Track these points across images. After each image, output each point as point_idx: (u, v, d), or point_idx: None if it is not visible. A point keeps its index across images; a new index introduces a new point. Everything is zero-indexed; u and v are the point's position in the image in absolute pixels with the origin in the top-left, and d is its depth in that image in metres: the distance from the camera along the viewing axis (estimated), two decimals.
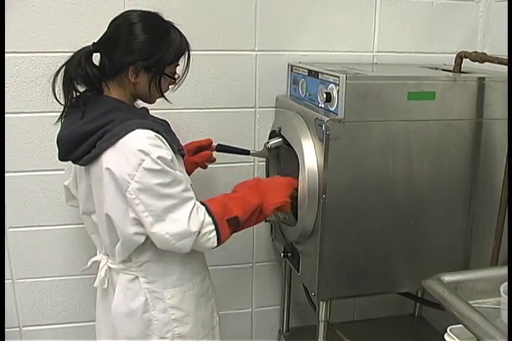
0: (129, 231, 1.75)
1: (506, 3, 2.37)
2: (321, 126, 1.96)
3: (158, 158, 1.66)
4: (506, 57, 2.06)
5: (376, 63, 2.63)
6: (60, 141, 1.79)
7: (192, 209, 1.73)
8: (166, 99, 1.90)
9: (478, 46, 2.68)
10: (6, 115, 2.32)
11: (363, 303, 3.04)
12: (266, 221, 2.64)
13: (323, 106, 2.10)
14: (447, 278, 1.61)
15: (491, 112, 2.11)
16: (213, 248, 1.83)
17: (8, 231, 2.46)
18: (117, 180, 1.68)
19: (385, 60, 2.63)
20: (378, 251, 2.15)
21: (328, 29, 2.55)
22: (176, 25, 1.83)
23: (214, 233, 1.77)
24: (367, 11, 2.57)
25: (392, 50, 2.63)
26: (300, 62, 2.44)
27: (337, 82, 1.98)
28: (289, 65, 2.48)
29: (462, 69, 2.27)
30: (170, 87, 1.91)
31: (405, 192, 2.12)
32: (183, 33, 1.84)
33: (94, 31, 2.10)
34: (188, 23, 2.34)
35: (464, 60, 2.26)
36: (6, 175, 2.39)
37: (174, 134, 1.91)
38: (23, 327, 2.63)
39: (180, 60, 1.85)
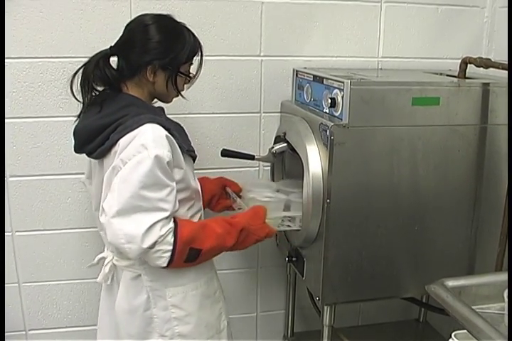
0: None
1: None
2: (326, 131, 1.96)
3: (155, 156, 1.67)
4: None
5: (381, 68, 2.63)
6: (76, 133, 1.85)
7: (159, 221, 1.69)
8: (182, 96, 1.94)
9: (483, 52, 2.69)
10: (13, 120, 2.34)
11: (367, 308, 3.03)
12: None
13: (327, 111, 2.11)
14: (451, 283, 1.61)
15: (495, 118, 2.11)
16: (162, 267, 1.78)
17: (15, 235, 2.47)
18: (115, 167, 1.71)
19: (390, 66, 2.64)
20: (383, 255, 2.15)
21: (333, 34, 2.56)
22: (188, 26, 1.88)
23: (168, 254, 1.72)
24: (372, 17, 2.58)
25: (396, 56, 2.64)
26: (305, 68, 2.45)
27: (342, 88, 1.98)
28: (294, 70, 2.49)
29: (467, 75, 2.27)
30: (185, 86, 1.94)
31: (410, 197, 2.12)
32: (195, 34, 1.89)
33: (100, 36, 2.14)
34: (194, 28, 2.34)
35: (468, 65, 2.27)
36: (13, 179, 2.40)
37: (186, 135, 1.94)
38: (29, 330, 2.64)
39: (194, 59, 1.89)
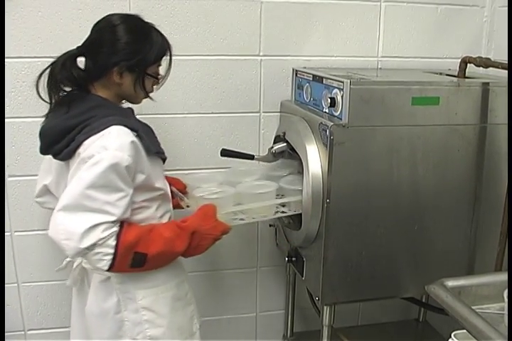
0: None
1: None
2: (326, 131, 1.96)
3: (113, 159, 1.65)
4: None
5: (380, 68, 2.63)
6: (42, 134, 1.82)
7: (102, 223, 1.66)
8: (151, 98, 1.93)
9: (483, 51, 2.69)
10: (12, 120, 2.33)
11: (367, 308, 3.03)
12: (270, 225, 2.65)
13: (327, 111, 2.10)
14: (451, 283, 1.60)
15: (494, 117, 2.11)
16: (105, 270, 1.74)
17: (14, 235, 2.47)
18: (77, 166, 1.70)
19: (390, 65, 2.64)
20: (382, 255, 2.15)
21: (332, 34, 2.56)
22: (156, 27, 1.86)
23: (109, 257, 1.68)
24: (371, 16, 2.58)
25: (396, 55, 2.64)
26: (304, 67, 2.45)
27: (341, 87, 1.98)
28: (293, 69, 2.49)
29: (466, 75, 2.27)
30: (154, 87, 1.92)
31: (409, 197, 2.12)
32: (164, 34, 1.87)
33: None
34: (192, 28, 2.37)
35: (468, 65, 2.27)
36: (12, 179, 2.40)
37: (155, 136, 1.92)
38: (28, 330, 2.64)
39: (163, 60, 1.87)
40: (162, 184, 1.90)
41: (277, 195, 2.17)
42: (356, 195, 2.05)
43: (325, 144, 1.98)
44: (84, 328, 1.98)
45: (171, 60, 1.89)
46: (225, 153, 2.31)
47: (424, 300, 2.78)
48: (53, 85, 1.79)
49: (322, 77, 2.17)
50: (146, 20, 1.86)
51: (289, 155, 2.28)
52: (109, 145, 1.66)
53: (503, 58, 2.27)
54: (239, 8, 2.43)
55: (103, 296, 1.89)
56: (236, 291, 2.85)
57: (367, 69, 2.53)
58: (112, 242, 1.67)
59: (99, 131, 1.69)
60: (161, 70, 1.91)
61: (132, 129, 1.74)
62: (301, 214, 2.13)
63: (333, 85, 2.05)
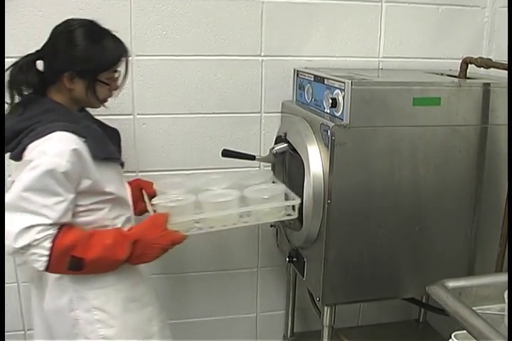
0: None
1: None
2: (327, 132, 1.96)
3: (50, 165, 1.67)
4: None
5: (382, 68, 2.63)
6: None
7: (38, 225, 1.68)
8: (104, 105, 1.94)
9: (484, 52, 2.69)
10: None
11: (367, 308, 3.03)
12: (271, 226, 2.66)
13: (328, 111, 2.10)
14: (451, 283, 1.60)
15: (495, 118, 2.11)
16: (43, 271, 1.75)
17: None
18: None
19: (391, 66, 2.64)
20: (383, 256, 2.15)
21: (333, 34, 2.56)
22: (113, 33, 1.86)
23: (44, 259, 1.69)
24: (372, 17, 2.58)
25: (397, 56, 2.64)
26: (306, 68, 2.45)
27: (343, 88, 1.98)
28: (294, 70, 2.49)
29: (468, 75, 2.27)
30: (113, 92, 1.93)
31: (410, 198, 2.12)
32: (122, 39, 1.88)
33: None
34: (194, 28, 2.37)
35: (469, 65, 2.27)
36: (10, 179, 2.39)
37: (107, 142, 1.90)
38: (28, 330, 2.63)
39: (120, 66, 1.87)
40: (114, 188, 1.89)
41: (242, 205, 2.12)
42: (357, 195, 2.05)
43: (326, 145, 1.98)
44: (46, 325, 1.98)
45: (127, 66, 1.89)
46: (226, 153, 2.31)
47: (424, 301, 2.78)
48: (12, 87, 1.81)
49: (323, 78, 2.17)
50: (103, 26, 1.85)
51: (290, 155, 2.28)
52: (48, 151, 1.68)
53: (504, 59, 2.27)
54: (240, 9, 2.43)
55: (58, 294, 1.89)
56: (237, 291, 2.85)
57: (368, 70, 2.52)
58: (48, 244, 1.69)
59: (43, 136, 1.71)
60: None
61: (80, 135, 1.75)
62: (302, 215, 2.12)
63: (335, 86, 2.05)
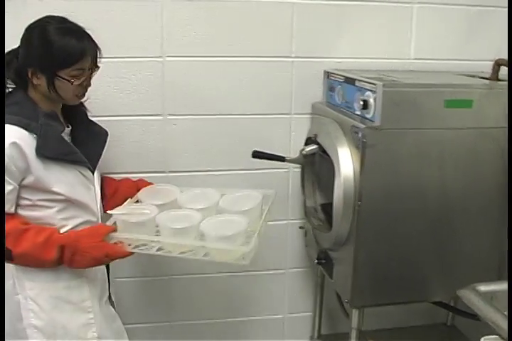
0: None
1: None
2: (358, 134, 1.96)
3: None
4: None
5: (412, 70, 2.62)
6: None
7: None
8: (66, 102, 1.93)
9: None
10: None
11: (394, 311, 3.01)
12: (300, 227, 2.66)
13: (359, 113, 2.10)
14: (483, 287, 1.59)
15: None
16: None
17: None
18: None
19: (421, 67, 2.62)
20: (411, 258, 2.14)
21: (364, 36, 2.55)
22: (86, 31, 1.86)
23: None
24: (403, 18, 2.56)
25: (428, 57, 2.62)
26: (336, 69, 2.45)
27: (374, 90, 1.98)
28: (325, 71, 2.49)
29: (499, 77, 2.25)
30: (81, 90, 1.90)
31: (439, 200, 2.11)
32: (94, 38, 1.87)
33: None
34: (224, 30, 2.37)
35: (501, 67, 2.25)
36: None
37: (62, 142, 1.88)
38: None
39: (84, 64, 1.84)
40: (66, 190, 1.88)
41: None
42: (386, 197, 2.04)
43: (357, 146, 1.98)
44: None
45: (93, 65, 1.88)
46: (257, 154, 2.31)
47: (452, 304, 2.76)
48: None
49: (354, 79, 2.17)
50: (77, 24, 1.85)
51: (320, 157, 2.28)
52: None
53: None
54: (271, 10, 2.43)
55: (6, 276, 1.90)
56: (264, 292, 2.86)
57: (398, 71, 2.51)
58: None
59: None
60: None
61: (32, 131, 1.78)
62: (331, 217, 2.12)
63: (366, 87, 2.05)
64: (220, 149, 2.55)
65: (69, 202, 1.91)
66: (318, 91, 2.54)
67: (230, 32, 2.41)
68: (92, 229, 1.89)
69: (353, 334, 2.26)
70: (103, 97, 2.38)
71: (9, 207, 1.80)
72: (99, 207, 2.07)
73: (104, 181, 2.19)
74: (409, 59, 2.62)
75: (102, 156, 2.08)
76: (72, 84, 1.84)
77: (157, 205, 2.06)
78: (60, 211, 1.90)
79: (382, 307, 2.92)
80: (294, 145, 2.58)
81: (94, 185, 2.02)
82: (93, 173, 2.02)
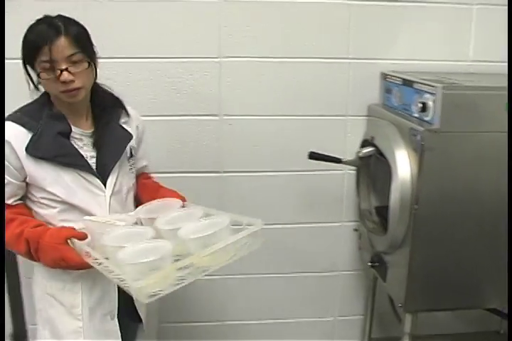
0: None
1: None
2: (416, 136, 1.94)
3: None
4: None
5: (471, 72, 2.58)
6: None
7: None
8: (49, 95, 1.89)
9: None
10: None
11: (446, 317, 2.98)
12: (355, 230, 2.65)
13: (417, 115, 2.08)
14: None
15: None
16: None
17: None
18: None
19: (481, 70, 2.58)
20: (466, 264, 2.12)
21: (421, 37, 2.52)
22: (67, 24, 1.77)
23: None
24: (463, 19, 2.53)
25: (488, 59, 2.58)
26: (393, 71, 2.43)
27: (433, 92, 1.95)
28: (382, 73, 2.47)
29: None
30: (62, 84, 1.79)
31: (496, 205, 2.07)
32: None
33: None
34: (281, 30, 2.38)
35: None
36: None
37: (59, 143, 1.84)
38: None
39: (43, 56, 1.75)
40: (62, 192, 1.85)
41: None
42: (443, 201, 2.02)
43: (415, 149, 1.96)
44: None
45: (50, 55, 1.73)
46: (313, 156, 2.31)
47: (506, 312, 2.71)
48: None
49: (412, 81, 2.15)
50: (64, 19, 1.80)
51: (376, 159, 2.26)
52: None
53: None
54: (328, 11, 2.43)
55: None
56: (316, 294, 2.86)
57: (457, 74, 2.48)
58: None
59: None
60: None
61: (29, 130, 1.79)
62: (386, 220, 2.10)
63: (424, 90, 2.03)
64: (275, 150, 2.56)
65: (68, 205, 1.87)
66: (375, 93, 2.52)
67: (287, 33, 2.41)
68: (57, 230, 1.79)
69: (406, 339, 2.23)
70: (160, 97, 2.41)
71: (11, 200, 1.85)
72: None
73: (144, 187, 2.13)
74: (466, 61, 2.58)
75: (136, 158, 2.06)
76: (41, 78, 1.78)
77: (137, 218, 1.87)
78: (60, 212, 1.88)
79: (434, 312, 2.90)
80: (349, 147, 2.57)
81: (103, 191, 1.90)
82: (104, 178, 1.91)
